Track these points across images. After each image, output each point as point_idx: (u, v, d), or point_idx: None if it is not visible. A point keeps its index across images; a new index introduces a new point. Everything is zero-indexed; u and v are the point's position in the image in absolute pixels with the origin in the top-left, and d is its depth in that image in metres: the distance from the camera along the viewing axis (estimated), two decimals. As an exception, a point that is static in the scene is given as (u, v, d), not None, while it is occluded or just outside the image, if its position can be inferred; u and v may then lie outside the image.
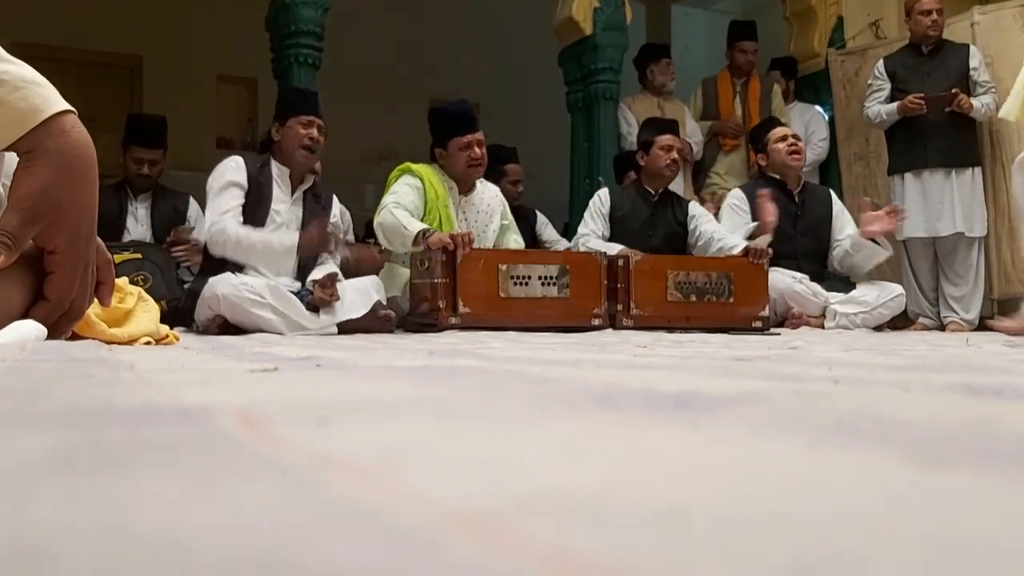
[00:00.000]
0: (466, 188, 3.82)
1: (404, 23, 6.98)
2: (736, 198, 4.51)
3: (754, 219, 4.38)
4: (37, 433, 0.35)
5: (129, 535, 0.20)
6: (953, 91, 4.53)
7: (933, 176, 4.64)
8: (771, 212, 4.16)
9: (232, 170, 3.35)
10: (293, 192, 3.45)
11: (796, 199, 4.44)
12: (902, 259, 4.82)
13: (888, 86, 4.77)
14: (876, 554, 0.19)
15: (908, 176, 4.68)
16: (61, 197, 1.09)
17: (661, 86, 5.76)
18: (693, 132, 5.64)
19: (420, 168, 3.74)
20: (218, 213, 3.30)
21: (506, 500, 0.24)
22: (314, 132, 3.40)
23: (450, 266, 3.30)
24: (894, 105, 4.66)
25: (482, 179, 3.92)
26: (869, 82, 4.94)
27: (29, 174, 1.07)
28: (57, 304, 1.16)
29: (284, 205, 3.41)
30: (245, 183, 3.34)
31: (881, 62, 4.89)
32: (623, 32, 5.53)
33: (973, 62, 4.69)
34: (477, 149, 3.72)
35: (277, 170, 3.43)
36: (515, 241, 3.98)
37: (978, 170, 4.70)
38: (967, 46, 4.76)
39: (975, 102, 4.59)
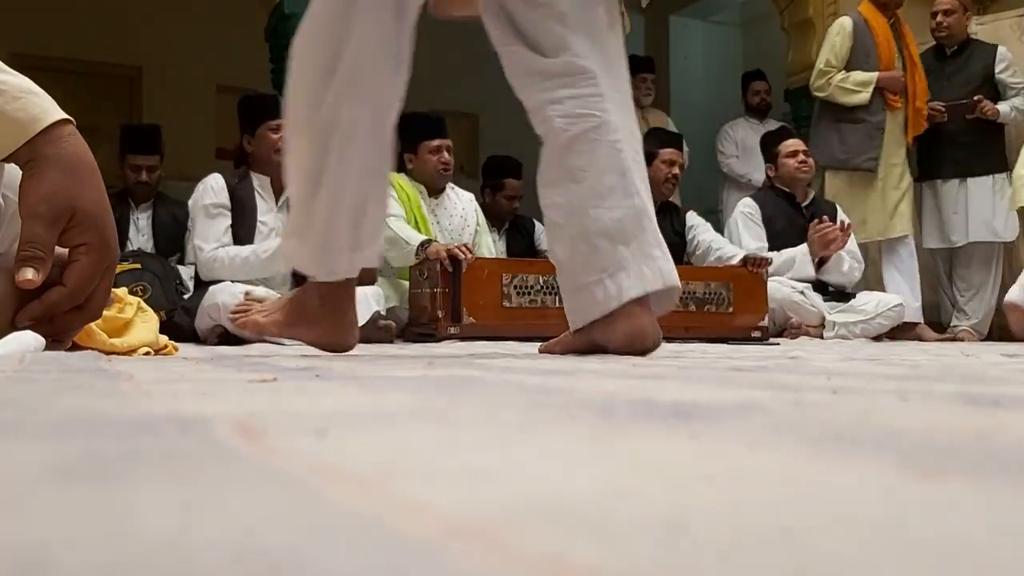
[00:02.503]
0: (434, 192, 3.86)
1: (403, 34, 6.99)
2: (748, 206, 4.53)
3: (767, 228, 4.39)
4: (36, 444, 0.35)
5: (128, 545, 0.20)
6: (976, 98, 4.45)
7: (946, 186, 4.60)
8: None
9: (212, 192, 3.37)
10: (277, 200, 3.46)
11: (805, 212, 4.45)
12: (936, 270, 4.79)
13: None
14: (875, 563, 0.19)
15: (923, 186, 4.66)
16: (72, 196, 1.08)
17: (636, 101, 5.84)
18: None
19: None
20: (209, 244, 3.33)
21: (504, 510, 0.24)
22: None
23: (453, 277, 3.30)
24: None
25: (453, 185, 3.97)
26: None
27: (36, 180, 1.07)
28: (72, 292, 1.12)
29: (270, 215, 3.42)
30: (227, 201, 3.36)
31: None
32: (622, 42, 5.54)
33: (999, 65, 4.59)
34: (446, 154, 3.80)
35: (257, 181, 3.44)
36: (487, 247, 4.02)
37: (1002, 176, 4.61)
38: (995, 47, 4.63)
39: (1003, 106, 4.50)
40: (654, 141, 4.42)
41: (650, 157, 4.34)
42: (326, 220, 1.48)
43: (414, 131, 3.85)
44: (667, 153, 4.32)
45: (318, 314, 1.56)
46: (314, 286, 1.57)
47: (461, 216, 3.91)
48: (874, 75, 4.49)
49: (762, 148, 4.79)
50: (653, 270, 1.41)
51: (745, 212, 4.49)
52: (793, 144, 4.49)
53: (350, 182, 1.47)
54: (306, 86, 1.47)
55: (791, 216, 4.42)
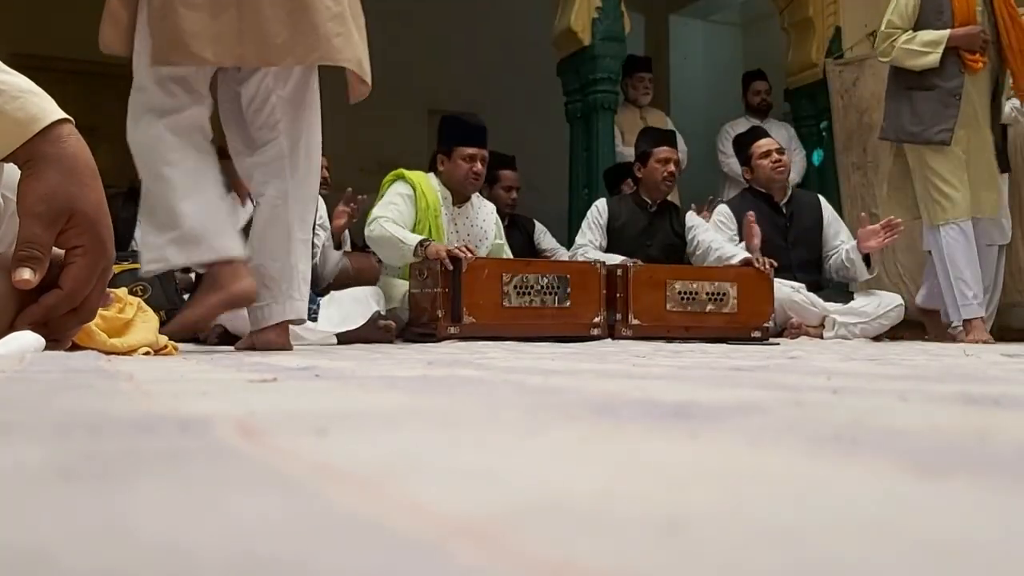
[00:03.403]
0: (460, 200, 3.80)
1: (402, 33, 6.99)
2: (722, 214, 4.51)
3: (740, 237, 4.38)
4: (37, 443, 0.35)
5: (129, 544, 0.20)
6: None
7: None
8: (756, 235, 4.14)
9: None
10: None
11: (784, 211, 4.43)
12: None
13: None
14: (874, 563, 0.19)
15: None
16: (71, 196, 1.08)
17: (634, 100, 5.84)
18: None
19: (414, 175, 3.74)
20: None
21: (505, 509, 0.24)
22: None
23: (453, 276, 3.30)
24: None
25: (479, 195, 3.92)
26: None
27: (34, 180, 1.07)
28: (69, 295, 1.11)
29: None
30: None
31: None
32: (622, 42, 5.55)
33: None
34: (479, 164, 3.72)
35: None
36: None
37: (1004, 176, 4.52)
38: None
39: (1005, 106, 4.42)
40: (648, 140, 4.41)
41: (644, 157, 4.33)
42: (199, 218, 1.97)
43: (452, 134, 3.77)
44: (662, 152, 4.31)
45: (217, 282, 1.95)
46: (207, 271, 2.01)
47: (481, 227, 3.85)
48: (945, 32, 3.80)
49: (735, 150, 4.74)
50: (290, 308, 2.09)
51: (717, 221, 4.48)
52: (766, 144, 4.46)
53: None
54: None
55: (770, 217, 4.40)
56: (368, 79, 2.19)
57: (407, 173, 3.74)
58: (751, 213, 4.20)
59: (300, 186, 2.14)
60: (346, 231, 4.48)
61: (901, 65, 3.94)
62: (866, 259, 4.20)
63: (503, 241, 3.99)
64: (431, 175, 3.81)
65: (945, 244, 3.97)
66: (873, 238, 4.10)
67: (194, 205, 1.98)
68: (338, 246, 4.00)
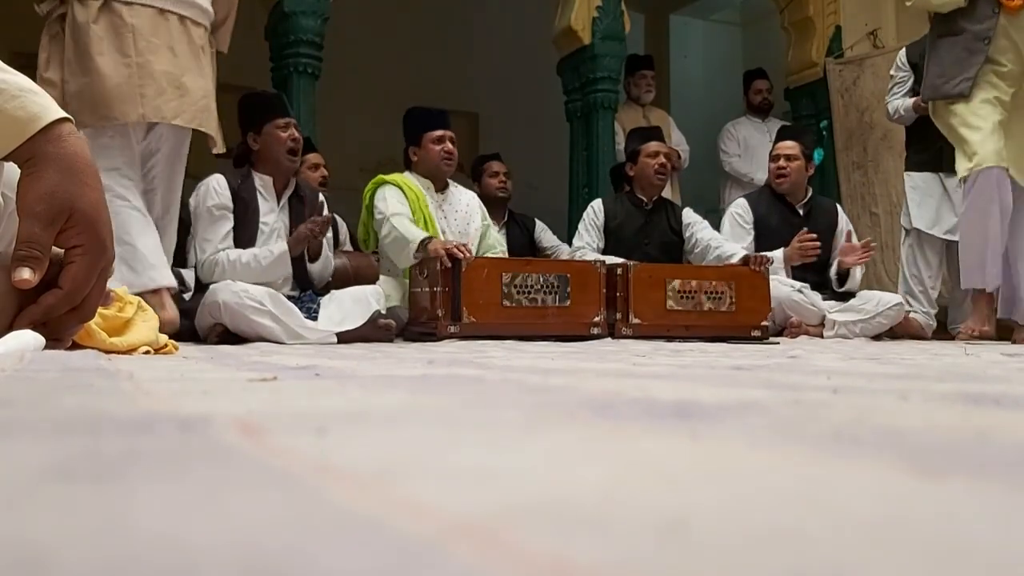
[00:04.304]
0: (441, 186, 3.89)
1: (403, 33, 6.99)
2: (739, 207, 4.51)
3: (756, 231, 4.38)
4: (36, 442, 0.35)
5: (128, 543, 0.20)
6: None
7: (949, 180, 4.40)
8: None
9: (215, 194, 3.35)
10: (279, 200, 3.46)
11: (800, 211, 4.43)
12: (912, 250, 4.63)
13: (911, 77, 4.31)
14: (875, 563, 0.19)
15: (926, 174, 4.48)
16: (71, 196, 1.08)
17: (636, 98, 5.85)
18: (680, 142, 5.69)
19: (392, 177, 3.83)
20: (210, 247, 3.33)
21: (504, 509, 0.24)
22: (294, 132, 3.43)
23: (453, 276, 3.30)
24: (910, 102, 4.27)
25: (456, 184, 3.99)
26: (891, 73, 4.44)
27: (34, 179, 1.07)
28: (68, 295, 1.11)
29: (272, 215, 3.42)
30: (230, 202, 3.35)
31: (903, 51, 4.38)
32: (622, 42, 5.55)
33: None
34: (449, 144, 3.83)
35: (260, 180, 3.43)
36: (496, 239, 4.03)
37: None
38: None
39: None
40: (635, 140, 4.46)
41: (634, 155, 4.38)
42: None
43: (417, 125, 3.90)
44: (650, 147, 4.34)
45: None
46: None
47: (465, 212, 3.92)
48: None
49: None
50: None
51: (734, 213, 4.49)
52: (776, 148, 4.47)
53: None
54: None
55: (785, 215, 4.41)
56: (221, 149, 3.07)
57: (386, 177, 3.85)
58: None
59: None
60: (346, 230, 4.49)
61: (926, 7, 3.53)
62: (844, 275, 4.27)
63: (490, 222, 4.06)
64: (407, 173, 3.89)
65: (971, 191, 3.46)
66: (851, 254, 4.19)
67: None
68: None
